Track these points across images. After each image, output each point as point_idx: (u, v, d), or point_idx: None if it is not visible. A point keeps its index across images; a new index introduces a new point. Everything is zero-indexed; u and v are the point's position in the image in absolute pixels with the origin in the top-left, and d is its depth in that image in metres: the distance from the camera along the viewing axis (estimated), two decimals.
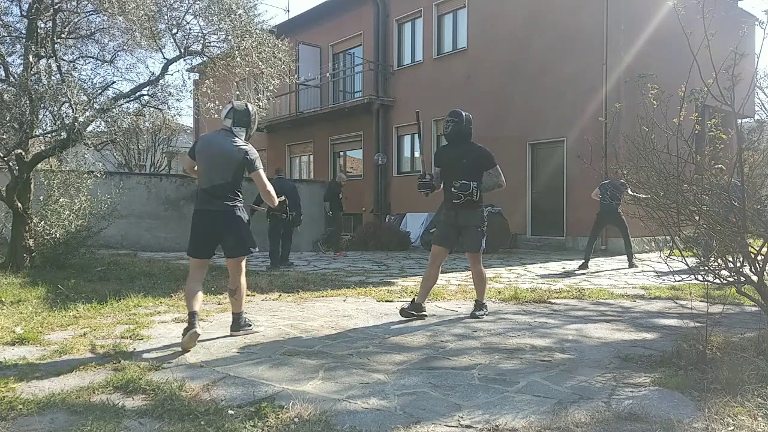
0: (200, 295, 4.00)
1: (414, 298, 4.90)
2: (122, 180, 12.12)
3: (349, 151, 18.83)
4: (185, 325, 3.87)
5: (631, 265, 8.93)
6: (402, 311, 4.77)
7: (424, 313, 4.83)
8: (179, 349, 3.71)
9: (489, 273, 8.18)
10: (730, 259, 3.92)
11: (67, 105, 7.24)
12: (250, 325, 4.26)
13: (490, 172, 4.80)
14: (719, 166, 4.22)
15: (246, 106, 4.19)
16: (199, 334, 3.76)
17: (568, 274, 8.29)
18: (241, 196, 4.08)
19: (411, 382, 3.08)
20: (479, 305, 4.94)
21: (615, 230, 9.74)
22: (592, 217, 9.49)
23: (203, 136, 4.29)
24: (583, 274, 8.34)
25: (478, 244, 4.83)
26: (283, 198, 4.32)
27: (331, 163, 18.83)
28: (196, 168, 4.13)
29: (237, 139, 4.04)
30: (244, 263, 4.19)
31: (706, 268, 3.94)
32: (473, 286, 5.16)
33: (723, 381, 2.85)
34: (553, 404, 2.71)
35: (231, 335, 4.13)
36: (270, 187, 4.11)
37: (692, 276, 4.03)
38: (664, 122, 3.97)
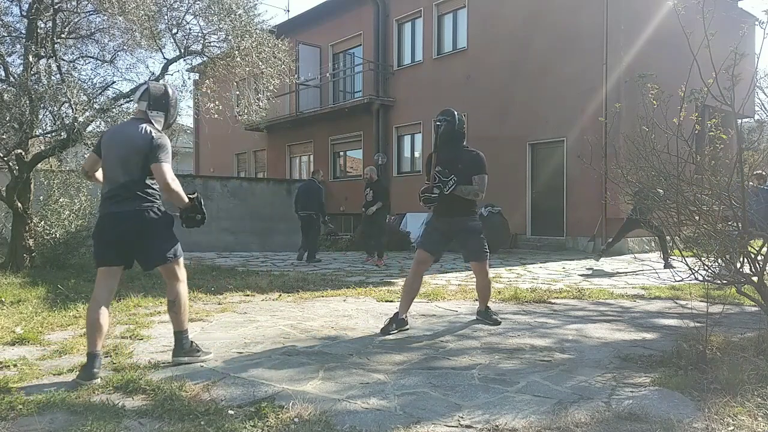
0: (105, 325, 3.20)
1: (396, 313, 4.40)
2: None
3: (349, 151, 18.82)
4: (202, 352, 3.51)
5: (667, 266, 8.02)
6: (382, 330, 4.27)
7: (407, 327, 4.39)
8: None
9: (489, 273, 8.19)
10: (730, 259, 3.92)
11: (67, 105, 7.25)
12: (198, 351, 3.48)
13: (476, 179, 4.39)
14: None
15: (164, 86, 3.49)
16: (96, 381, 3.01)
17: (569, 274, 8.29)
18: (156, 195, 3.36)
19: (411, 382, 3.08)
20: (489, 310, 4.67)
21: (612, 230, 9.72)
22: (592, 217, 9.49)
23: (112, 127, 3.55)
24: (586, 271, 8.33)
25: (484, 252, 4.50)
26: (195, 195, 3.44)
27: (331, 163, 18.82)
28: (99, 169, 3.45)
29: (147, 125, 3.32)
30: (181, 270, 3.45)
31: (706, 268, 3.94)
32: (475, 291, 4.89)
33: (723, 381, 2.85)
34: (553, 404, 2.71)
35: (174, 362, 3.38)
36: (174, 185, 3.25)
37: (692, 276, 4.02)
38: (664, 122, 3.97)
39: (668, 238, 4.05)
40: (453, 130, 4.46)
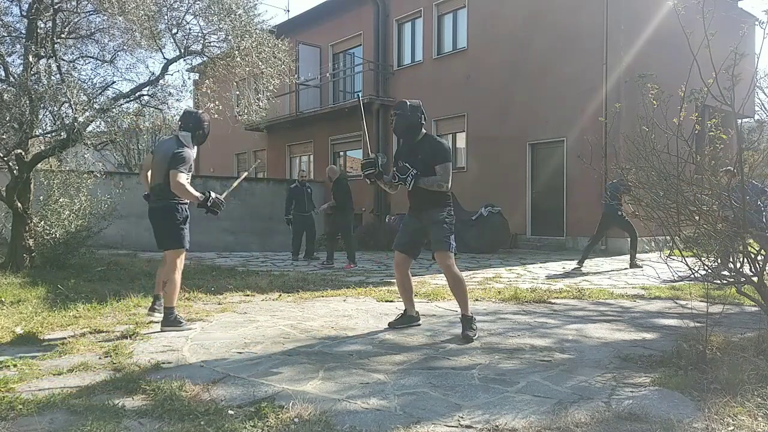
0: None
1: (405, 310, 4.52)
2: (122, 180, 12.12)
3: (349, 151, 18.82)
4: (185, 324, 4.28)
5: (632, 266, 8.86)
6: (390, 324, 4.45)
7: (418, 323, 4.53)
8: (179, 348, 3.72)
9: (489, 273, 8.19)
10: (731, 259, 3.92)
11: (67, 105, 7.24)
12: (180, 323, 4.31)
13: (437, 168, 4.09)
14: (728, 168, 4.16)
15: (193, 111, 4.54)
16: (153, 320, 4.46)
17: (568, 274, 8.29)
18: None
19: (411, 382, 3.08)
20: (467, 321, 4.09)
21: (615, 230, 9.71)
22: (592, 217, 9.50)
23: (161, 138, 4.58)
24: (582, 274, 8.32)
25: (445, 241, 4.10)
26: (206, 196, 4.31)
27: (330, 163, 18.81)
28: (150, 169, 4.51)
29: (176, 142, 4.32)
30: (179, 261, 4.37)
31: (706, 268, 3.94)
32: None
33: (723, 381, 2.85)
34: (553, 404, 2.71)
35: (162, 330, 4.27)
36: (181, 188, 4.16)
37: (692, 276, 4.02)
38: (664, 122, 3.97)
39: (667, 237, 4.02)
40: (406, 122, 4.23)
